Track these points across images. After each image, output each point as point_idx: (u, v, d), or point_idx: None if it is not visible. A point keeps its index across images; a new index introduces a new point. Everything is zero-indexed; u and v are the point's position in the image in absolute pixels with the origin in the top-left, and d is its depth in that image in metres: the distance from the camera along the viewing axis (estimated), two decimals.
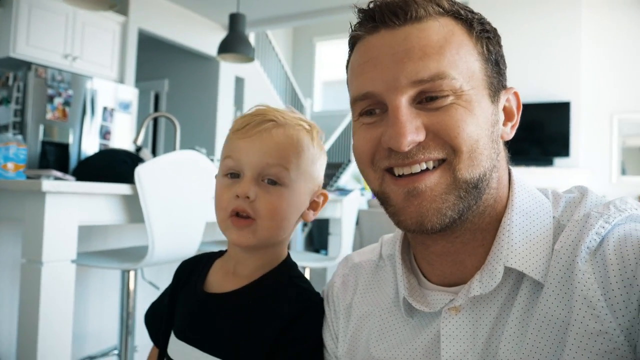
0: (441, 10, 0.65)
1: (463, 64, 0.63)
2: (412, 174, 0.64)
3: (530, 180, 0.74)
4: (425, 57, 0.62)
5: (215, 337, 0.81)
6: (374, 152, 0.67)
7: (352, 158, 8.02)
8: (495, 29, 0.69)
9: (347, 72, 0.73)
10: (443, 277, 0.71)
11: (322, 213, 2.81)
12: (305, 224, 7.51)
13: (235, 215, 0.80)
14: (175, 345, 0.85)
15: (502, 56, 0.70)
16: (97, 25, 5.23)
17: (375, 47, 0.65)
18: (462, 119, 0.62)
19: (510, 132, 0.71)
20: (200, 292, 0.86)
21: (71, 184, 1.59)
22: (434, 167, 0.63)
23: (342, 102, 9.52)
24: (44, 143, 4.46)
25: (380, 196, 0.69)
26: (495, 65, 0.68)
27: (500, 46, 0.70)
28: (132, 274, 1.98)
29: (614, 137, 6.77)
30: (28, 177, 1.92)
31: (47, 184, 1.50)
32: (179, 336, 0.85)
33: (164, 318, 0.92)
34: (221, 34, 6.84)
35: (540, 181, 6.45)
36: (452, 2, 0.67)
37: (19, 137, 2.06)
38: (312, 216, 0.88)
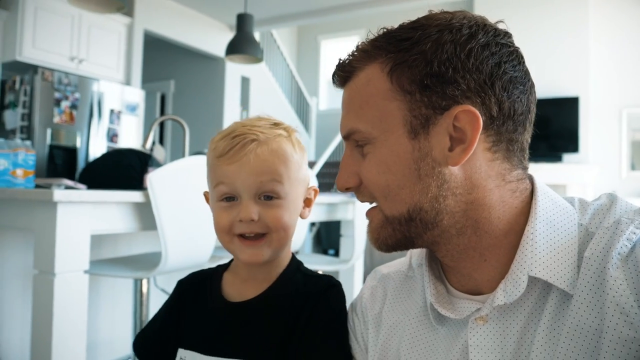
0: (365, 55, 0.70)
1: (372, 113, 0.68)
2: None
3: (538, 177, 0.73)
4: (344, 117, 0.73)
5: (250, 342, 0.83)
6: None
7: None
8: (433, 45, 0.65)
9: None
10: (461, 285, 0.73)
11: (334, 214, 2.77)
12: (313, 224, 7.48)
13: (240, 236, 0.84)
14: None
15: (438, 75, 0.64)
16: (103, 27, 5.22)
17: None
18: (370, 170, 0.70)
19: (460, 157, 0.65)
20: (225, 303, 0.88)
21: (83, 193, 1.57)
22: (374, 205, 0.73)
23: None
24: (51, 147, 4.45)
25: None
26: (425, 89, 0.65)
27: (433, 63, 0.64)
28: (144, 281, 1.95)
29: (623, 132, 6.70)
30: (38, 186, 1.90)
31: (59, 194, 1.47)
32: (208, 352, 0.85)
33: (167, 339, 0.90)
34: (227, 34, 6.81)
35: (549, 177, 6.40)
36: (378, 40, 0.70)
37: (28, 142, 2.04)
38: (308, 213, 0.93)
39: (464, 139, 0.65)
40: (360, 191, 0.73)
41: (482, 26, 0.68)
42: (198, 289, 0.93)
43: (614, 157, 6.74)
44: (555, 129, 6.71)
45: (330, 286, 0.88)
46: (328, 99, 10.04)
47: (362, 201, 0.74)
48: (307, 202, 0.93)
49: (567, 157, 6.77)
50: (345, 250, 2.96)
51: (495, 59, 0.66)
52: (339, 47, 9.92)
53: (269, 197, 0.83)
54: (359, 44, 0.72)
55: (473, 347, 0.66)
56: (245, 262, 0.86)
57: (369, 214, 0.74)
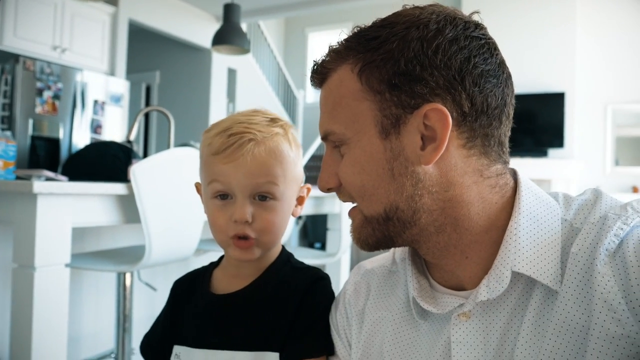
0: (337, 57, 0.70)
1: (345, 114, 0.69)
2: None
3: (524, 172, 0.72)
4: (321, 118, 0.73)
5: (238, 333, 0.84)
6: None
7: None
8: (399, 43, 0.64)
9: None
10: (444, 281, 0.72)
11: (320, 208, 2.76)
12: (299, 218, 7.47)
13: (235, 237, 0.84)
14: (195, 355, 0.86)
15: (406, 73, 0.64)
16: (87, 16, 5.13)
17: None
18: (346, 171, 0.70)
19: (432, 155, 0.65)
20: (212, 296, 0.89)
21: (63, 185, 1.53)
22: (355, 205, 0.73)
23: None
24: (33, 138, 4.37)
25: None
26: (394, 89, 0.64)
27: (400, 62, 0.64)
28: (128, 275, 1.92)
29: (607, 128, 6.78)
30: (18, 178, 1.86)
31: (39, 185, 1.43)
32: (197, 345, 0.86)
33: (166, 339, 0.92)
34: (213, 25, 6.75)
35: (534, 172, 6.46)
36: (349, 41, 0.70)
37: (8, 133, 1.99)
38: (299, 211, 0.94)
39: (435, 137, 0.64)
40: (340, 191, 0.74)
41: (450, 20, 0.66)
42: (191, 288, 0.94)
43: (598, 152, 6.81)
44: (540, 124, 6.77)
45: (318, 279, 0.89)
46: (315, 92, 9.99)
47: (344, 201, 0.75)
48: (300, 200, 0.93)
49: (552, 152, 6.83)
50: (332, 243, 2.95)
51: (465, 54, 0.64)
52: (326, 40, 9.88)
53: (263, 197, 0.83)
54: (332, 45, 0.73)
55: (455, 343, 0.66)
56: (236, 259, 0.88)
57: (350, 213, 0.75)
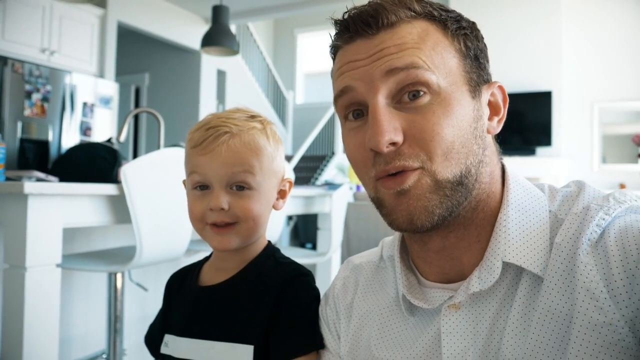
0: (413, 13, 0.66)
1: (439, 60, 0.64)
2: (395, 175, 0.64)
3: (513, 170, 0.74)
4: (400, 51, 0.63)
5: (217, 324, 0.86)
6: (365, 159, 0.67)
7: (336, 150, 7.96)
8: (473, 24, 0.70)
9: (332, 81, 0.73)
10: (441, 275, 0.71)
11: (311, 208, 2.78)
12: (290, 218, 7.48)
13: (213, 225, 0.86)
14: (180, 344, 0.88)
15: (483, 50, 0.70)
16: (75, 18, 5.11)
17: (352, 53, 0.67)
18: (437, 122, 0.62)
19: (497, 126, 0.71)
20: (197, 288, 0.92)
21: (54, 186, 1.54)
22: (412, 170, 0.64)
23: (324, 94, 9.49)
24: (22, 140, 4.36)
25: (376, 201, 0.70)
26: (475, 60, 0.68)
27: (479, 40, 0.70)
28: (119, 275, 1.93)
29: (594, 126, 6.85)
30: (8, 179, 1.86)
31: (29, 186, 1.44)
32: (182, 334, 0.89)
33: (160, 328, 0.96)
34: (202, 27, 6.75)
35: (523, 170, 6.51)
36: (424, 4, 0.67)
37: None
38: (282, 204, 0.94)
39: (497, 112, 0.71)
40: (402, 153, 0.63)
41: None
42: (182, 280, 0.97)
43: (585, 150, 6.88)
44: (528, 123, 6.83)
45: (298, 274, 0.89)
46: (305, 92, 10.03)
47: (399, 165, 0.63)
48: (282, 194, 0.94)
49: (540, 150, 6.89)
50: (322, 243, 2.96)
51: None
52: (315, 41, 9.90)
53: (240, 187, 0.85)
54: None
55: (446, 334, 0.67)
56: (215, 249, 0.91)
57: (405, 179, 0.63)
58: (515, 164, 6.57)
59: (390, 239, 0.85)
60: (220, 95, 7.47)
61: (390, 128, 0.62)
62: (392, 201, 0.65)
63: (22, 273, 1.47)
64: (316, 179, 7.82)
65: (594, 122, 6.84)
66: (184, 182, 0.94)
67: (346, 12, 0.69)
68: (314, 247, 6.93)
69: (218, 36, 4.07)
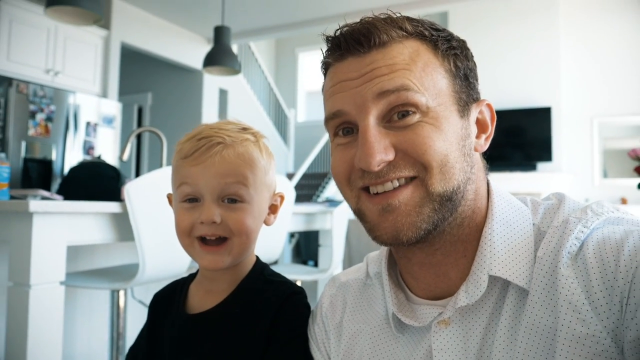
0: (404, 33, 0.67)
1: (429, 81, 0.65)
2: (385, 192, 0.65)
3: (514, 186, 0.77)
4: (391, 72, 0.64)
5: (212, 353, 0.82)
6: (350, 172, 0.68)
7: None
8: (463, 43, 0.71)
9: (323, 97, 0.74)
10: (428, 291, 0.72)
11: (312, 225, 2.79)
12: (292, 235, 7.48)
13: (201, 240, 0.82)
14: None
15: (472, 69, 0.71)
16: (79, 39, 5.18)
17: (344, 72, 0.68)
18: (429, 136, 0.63)
19: (484, 144, 0.72)
20: (184, 315, 0.87)
21: (59, 204, 1.56)
22: (405, 183, 0.65)
23: None
24: (26, 160, 4.39)
25: (357, 213, 0.71)
26: (464, 79, 0.69)
27: (469, 60, 0.71)
28: (121, 293, 1.94)
29: (595, 141, 6.87)
30: (13, 197, 1.88)
31: (34, 205, 1.46)
32: None
33: (146, 355, 0.91)
34: (204, 47, 6.82)
35: (524, 186, 6.51)
36: (415, 24, 0.68)
37: (2, 155, 2.02)
38: (273, 220, 0.91)
39: (485, 129, 0.72)
40: (396, 165, 0.64)
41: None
42: (169, 302, 0.93)
43: (586, 165, 6.89)
44: (529, 139, 6.85)
45: (291, 294, 0.86)
46: (306, 111, 10.08)
47: (395, 178, 0.65)
48: (273, 209, 0.91)
49: (541, 166, 6.90)
50: (324, 259, 2.97)
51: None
52: (316, 60, 9.98)
53: (232, 200, 0.81)
54: (386, 15, 0.69)
55: (437, 350, 0.67)
56: (205, 268, 0.86)
57: (395, 195, 0.65)
58: (517, 180, 6.58)
59: (376, 254, 0.85)
60: (222, 114, 7.51)
61: (380, 148, 0.64)
62: (375, 217, 0.67)
63: (26, 291, 1.48)
64: (318, 196, 7.83)
65: (594, 136, 6.86)
66: (168, 196, 0.91)
67: (338, 30, 0.69)
68: (316, 265, 6.92)
69: (220, 56, 4.12)
